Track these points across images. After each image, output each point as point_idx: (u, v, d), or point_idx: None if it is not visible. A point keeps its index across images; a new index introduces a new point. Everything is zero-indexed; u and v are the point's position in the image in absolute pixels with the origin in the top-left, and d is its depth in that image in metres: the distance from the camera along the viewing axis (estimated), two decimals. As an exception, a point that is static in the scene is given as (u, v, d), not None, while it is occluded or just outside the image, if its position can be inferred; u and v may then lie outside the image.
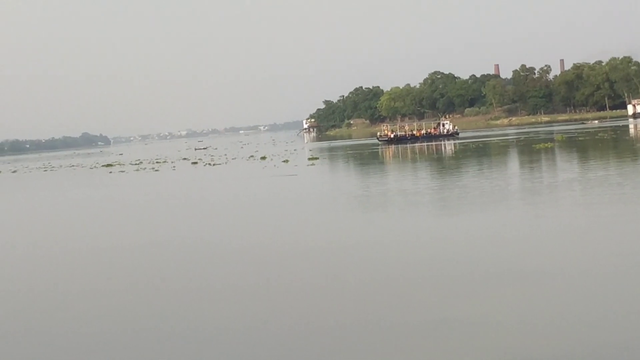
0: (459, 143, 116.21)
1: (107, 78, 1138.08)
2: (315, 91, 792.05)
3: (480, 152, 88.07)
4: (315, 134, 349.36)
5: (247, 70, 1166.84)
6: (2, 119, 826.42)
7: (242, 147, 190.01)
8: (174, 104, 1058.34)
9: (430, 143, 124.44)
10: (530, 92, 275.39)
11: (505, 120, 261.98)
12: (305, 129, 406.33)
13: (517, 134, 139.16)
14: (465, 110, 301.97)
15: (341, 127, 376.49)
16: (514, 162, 68.59)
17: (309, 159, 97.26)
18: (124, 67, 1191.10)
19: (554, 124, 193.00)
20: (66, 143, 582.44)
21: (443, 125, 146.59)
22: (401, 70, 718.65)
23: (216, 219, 40.70)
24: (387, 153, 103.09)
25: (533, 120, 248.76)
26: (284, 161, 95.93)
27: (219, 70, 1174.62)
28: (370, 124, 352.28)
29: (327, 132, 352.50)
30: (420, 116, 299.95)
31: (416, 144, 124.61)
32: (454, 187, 47.17)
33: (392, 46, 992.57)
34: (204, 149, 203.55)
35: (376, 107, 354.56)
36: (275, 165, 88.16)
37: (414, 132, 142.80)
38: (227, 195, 55.48)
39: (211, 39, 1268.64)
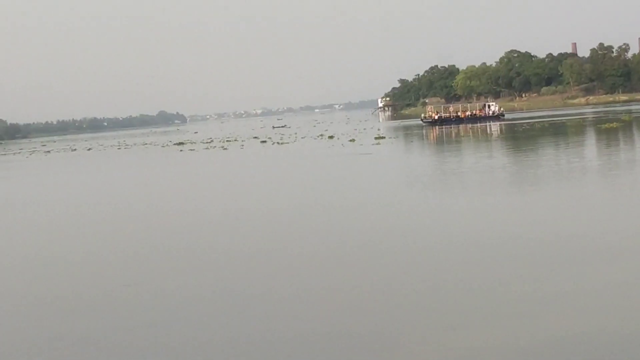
0: (505, 125, 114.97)
1: (184, 57, 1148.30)
2: (390, 70, 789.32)
3: (528, 133, 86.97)
4: (390, 113, 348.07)
5: (323, 49, 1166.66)
6: (81, 97, 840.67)
7: (314, 126, 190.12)
8: (250, 82, 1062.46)
9: (475, 124, 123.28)
10: (608, 71, 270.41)
11: (583, 100, 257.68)
12: (380, 107, 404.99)
13: (593, 113, 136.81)
14: (542, 89, 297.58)
15: (416, 106, 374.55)
16: (559, 143, 67.47)
17: (375, 138, 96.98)
18: (200, 45, 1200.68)
19: (632, 103, 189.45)
20: (143, 121, 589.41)
21: (489, 106, 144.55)
22: (477, 49, 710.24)
23: (283, 197, 40.83)
24: (447, 133, 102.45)
25: (611, 99, 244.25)
26: (350, 140, 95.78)
27: (295, 48, 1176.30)
28: (445, 102, 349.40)
29: (402, 111, 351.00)
30: (496, 95, 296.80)
31: (460, 126, 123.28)
32: (518, 165, 46.58)
33: (468, 24, 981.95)
34: (282, 127, 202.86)
35: (452, 86, 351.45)
36: (342, 145, 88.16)
37: (459, 114, 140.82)
38: (292, 174, 55.62)
39: (287, 17, 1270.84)
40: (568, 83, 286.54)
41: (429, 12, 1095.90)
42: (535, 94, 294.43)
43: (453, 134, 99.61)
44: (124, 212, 40.17)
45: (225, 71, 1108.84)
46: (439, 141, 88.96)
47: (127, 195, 50.03)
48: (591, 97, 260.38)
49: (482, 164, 52.04)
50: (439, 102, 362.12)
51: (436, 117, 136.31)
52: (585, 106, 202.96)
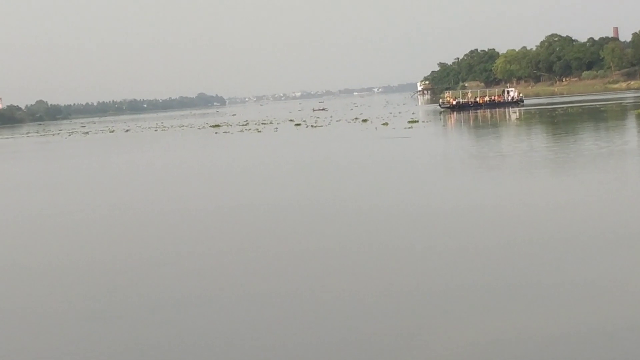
0: (523, 110, 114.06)
1: (224, 39, 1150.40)
2: (429, 53, 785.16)
3: (550, 118, 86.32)
4: (429, 97, 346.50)
5: (361, 32, 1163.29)
6: (121, 79, 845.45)
7: (351, 109, 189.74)
8: (289, 65, 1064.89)
9: (493, 110, 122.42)
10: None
11: (624, 84, 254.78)
12: (419, 91, 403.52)
13: (633, 98, 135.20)
14: (583, 73, 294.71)
15: (455, 90, 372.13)
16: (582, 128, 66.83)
17: (409, 122, 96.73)
18: (240, 28, 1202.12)
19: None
20: (182, 103, 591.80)
21: (508, 92, 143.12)
22: (517, 33, 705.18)
23: (317, 181, 40.91)
24: (469, 118, 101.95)
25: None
26: (383, 124, 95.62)
27: (334, 31, 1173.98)
28: (485, 86, 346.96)
29: (441, 95, 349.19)
30: (536, 79, 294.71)
31: (478, 111, 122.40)
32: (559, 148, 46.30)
33: (509, 8, 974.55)
34: (322, 110, 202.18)
35: (491, 70, 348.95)
36: (375, 128, 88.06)
37: (477, 99, 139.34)
38: (319, 157, 55.69)
39: (326, 2, 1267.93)
40: (609, 67, 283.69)
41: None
42: (575, 79, 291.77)
43: (479, 119, 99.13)
44: (134, 197, 40.38)
45: (265, 54, 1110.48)
46: (468, 125, 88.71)
47: (145, 179, 50.31)
48: (632, 82, 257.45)
49: (522, 148, 51.77)
50: (478, 86, 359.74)
51: (454, 103, 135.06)
52: (626, 91, 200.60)
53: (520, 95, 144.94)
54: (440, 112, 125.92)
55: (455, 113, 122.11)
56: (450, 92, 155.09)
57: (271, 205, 32.25)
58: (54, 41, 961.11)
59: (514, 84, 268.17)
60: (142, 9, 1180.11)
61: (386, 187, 35.89)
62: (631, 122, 71.68)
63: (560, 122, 79.30)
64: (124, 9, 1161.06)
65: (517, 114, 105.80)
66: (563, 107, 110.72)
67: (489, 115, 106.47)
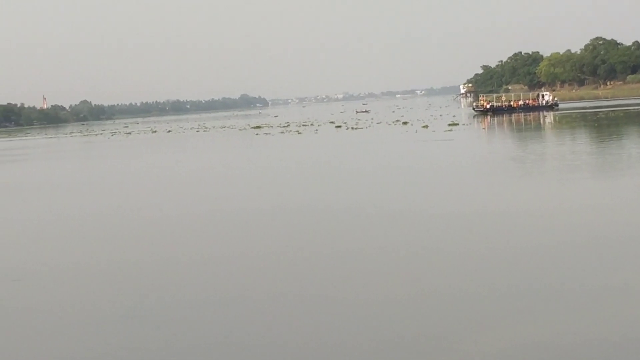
0: (558, 114, 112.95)
1: (266, 41, 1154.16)
2: (473, 56, 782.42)
3: (589, 122, 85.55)
4: (472, 99, 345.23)
5: (404, 34, 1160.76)
6: (165, 80, 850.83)
7: (393, 112, 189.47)
8: (332, 67, 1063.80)
9: (528, 114, 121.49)
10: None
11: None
12: (462, 93, 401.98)
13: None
14: (627, 77, 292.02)
15: (498, 93, 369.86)
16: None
17: (449, 124, 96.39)
18: (283, 30, 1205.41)
19: None
20: (225, 104, 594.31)
21: (542, 96, 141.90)
22: (561, 36, 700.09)
23: (357, 183, 40.91)
24: (506, 121, 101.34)
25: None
26: (423, 127, 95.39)
27: (376, 34, 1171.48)
28: (528, 89, 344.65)
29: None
30: (580, 83, 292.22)
31: (513, 115, 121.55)
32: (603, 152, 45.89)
33: (553, 11, 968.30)
34: (365, 112, 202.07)
35: (535, 73, 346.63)
36: (415, 131, 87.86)
37: (511, 103, 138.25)
38: (354, 160, 55.65)
39: (369, 2, 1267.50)
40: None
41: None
42: (620, 82, 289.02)
43: (514, 123, 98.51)
44: (172, 199, 40.55)
45: (308, 56, 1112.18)
46: (505, 129, 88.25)
47: (183, 181, 50.57)
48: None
49: (562, 151, 51.41)
50: (522, 89, 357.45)
51: (488, 106, 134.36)
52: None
53: (555, 99, 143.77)
54: (474, 116, 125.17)
55: (489, 117, 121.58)
56: (485, 95, 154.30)
57: (311, 208, 32.24)
58: (99, 42, 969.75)
59: (558, 87, 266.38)
60: (186, 11, 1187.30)
61: (421, 191, 35.73)
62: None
63: (600, 126, 78.53)
64: (169, 11, 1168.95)
65: (552, 117, 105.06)
66: (604, 111, 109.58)
67: (523, 119, 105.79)
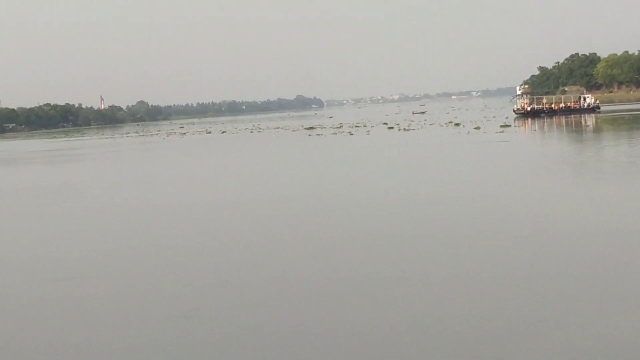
0: (600, 117, 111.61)
1: (322, 42, 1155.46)
2: (529, 57, 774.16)
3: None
4: (528, 101, 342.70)
5: (459, 36, 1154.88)
6: (221, 81, 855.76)
7: (447, 113, 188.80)
8: (388, 68, 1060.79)
9: (569, 116, 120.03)
10: None
11: None
12: (518, 95, 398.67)
13: None
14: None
15: (555, 94, 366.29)
16: None
17: (501, 126, 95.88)
18: (339, 31, 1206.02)
19: None
20: (280, 105, 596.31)
21: (584, 99, 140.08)
22: (619, 37, 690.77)
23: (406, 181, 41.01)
24: (548, 124, 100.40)
25: None
26: (475, 128, 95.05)
27: (432, 34, 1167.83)
28: (585, 91, 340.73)
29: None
30: (638, 84, 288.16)
31: (554, 118, 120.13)
32: None
33: (612, 11, 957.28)
34: (422, 113, 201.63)
35: (592, 74, 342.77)
36: (468, 132, 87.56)
37: (552, 106, 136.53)
38: (400, 161, 55.72)
39: (424, 2, 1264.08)
40: None
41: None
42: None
43: (554, 125, 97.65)
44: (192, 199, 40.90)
45: (363, 57, 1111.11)
46: (549, 130, 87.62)
47: (217, 181, 50.96)
48: None
49: (613, 153, 51.00)
50: (579, 91, 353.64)
51: (528, 109, 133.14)
52: None
53: (597, 102, 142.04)
54: (515, 119, 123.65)
55: (529, 119, 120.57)
56: (526, 97, 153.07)
57: (361, 206, 32.44)
58: (157, 43, 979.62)
59: (616, 88, 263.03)
60: (243, 12, 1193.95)
61: (466, 191, 35.69)
62: None
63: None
64: (226, 12, 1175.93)
65: (594, 120, 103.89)
66: (627, 115, 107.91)
67: (564, 122, 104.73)
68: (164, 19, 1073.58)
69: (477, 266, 20.31)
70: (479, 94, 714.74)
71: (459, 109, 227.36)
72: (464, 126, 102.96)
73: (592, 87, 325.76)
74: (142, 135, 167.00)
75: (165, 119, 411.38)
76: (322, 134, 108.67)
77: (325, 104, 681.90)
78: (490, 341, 14.40)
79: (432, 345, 14.40)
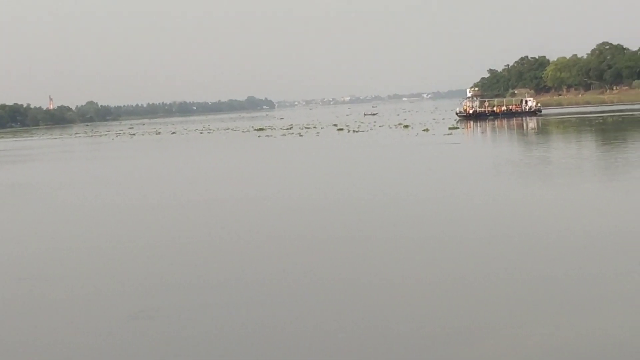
0: (544, 120, 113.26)
1: (273, 44, 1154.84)
2: (480, 60, 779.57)
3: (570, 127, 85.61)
4: (477, 103, 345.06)
5: (411, 38, 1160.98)
6: (171, 82, 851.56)
7: (398, 115, 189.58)
8: (338, 70, 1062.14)
9: (511, 120, 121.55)
10: None
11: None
12: (469, 97, 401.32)
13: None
14: (633, 82, 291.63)
15: (505, 97, 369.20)
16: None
17: (449, 128, 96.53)
18: (289, 33, 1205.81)
19: None
20: (231, 106, 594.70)
21: (526, 102, 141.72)
22: (568, 41, 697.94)
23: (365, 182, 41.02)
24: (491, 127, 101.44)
25: None
26: (424, 130, 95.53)
27: (383, 37, 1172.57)
28: (535, 94, 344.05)
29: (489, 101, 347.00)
30: (587, 87, 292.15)
31: (496, 121, 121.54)
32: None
33: (560, 15, 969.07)
34: (373, 115, 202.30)
35: (541, 77, 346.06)
36: (416, 134, 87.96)
37: (494, 109, 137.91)
38: (343, 162, 55.82)
39: (377, 6, 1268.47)
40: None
41: (520, 1, 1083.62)
42: (626, 87, 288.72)
43: (497, 128, 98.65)
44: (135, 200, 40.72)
45: (314, 59, 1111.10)
46: (501, 133, 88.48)
47: (153, 182, 50.74)
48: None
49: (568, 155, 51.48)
50: (528, 93, 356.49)
51: (471, 112, 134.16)
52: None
53: (538, 105, 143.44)
54: (457, 121, 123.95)
55: (471, 122, 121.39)
56: (467, 101, 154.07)
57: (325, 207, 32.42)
58: (105, 43, 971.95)
59: (564, 91, 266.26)
60: (193, 13, 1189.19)
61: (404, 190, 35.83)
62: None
63: (590, 131, 78.63)
64: (176, 13, 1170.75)
65: (536, 123, 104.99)
66: (599, 117, 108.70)
67: (506, 125, 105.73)
68: (114, 18, 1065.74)
69: (419, 268, 20.44)
70: (429, 96, 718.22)
71: (409, 111, 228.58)
72: (412, 128, 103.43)
73: (541, 90, 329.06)
74: (91, 136, 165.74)
75: (115, 119, 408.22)
76: (271, 135, 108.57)
77: (276, 105, 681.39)
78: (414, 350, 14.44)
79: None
